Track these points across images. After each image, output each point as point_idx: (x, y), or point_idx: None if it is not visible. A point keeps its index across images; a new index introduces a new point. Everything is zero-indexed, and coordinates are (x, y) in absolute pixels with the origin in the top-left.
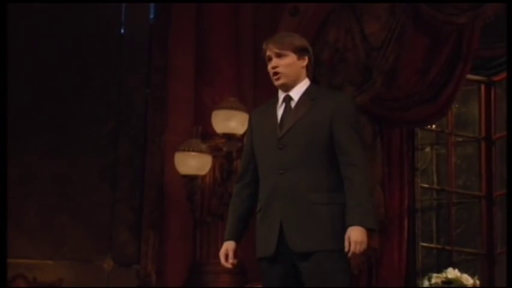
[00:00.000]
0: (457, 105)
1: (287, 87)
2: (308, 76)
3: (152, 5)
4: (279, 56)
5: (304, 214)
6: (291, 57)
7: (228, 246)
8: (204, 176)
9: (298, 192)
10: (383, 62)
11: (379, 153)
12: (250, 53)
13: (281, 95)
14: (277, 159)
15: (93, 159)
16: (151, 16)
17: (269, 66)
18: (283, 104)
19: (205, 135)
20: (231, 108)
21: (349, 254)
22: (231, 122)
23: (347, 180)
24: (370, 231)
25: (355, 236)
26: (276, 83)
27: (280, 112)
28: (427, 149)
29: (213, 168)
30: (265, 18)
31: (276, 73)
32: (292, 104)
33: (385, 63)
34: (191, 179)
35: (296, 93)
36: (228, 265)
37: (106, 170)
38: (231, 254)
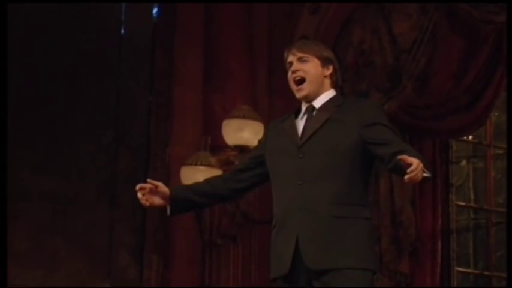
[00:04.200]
0: (496, 114)
1: (310, 98)
2: (333, 87)
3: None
4: (301, 60)
5: (324, 228)
6: (314, 63)
7: (162, 186)
8: None
9: (318, 205)
10: (414, 66)
11: None
12: (265, 56)
13: (304, 106)
14: (296, 169)
15: (90, 175)
16: (154, 14)
17: (289, 73)
18: (306, 115)
19: (215, 148)
20: (244, 117)
21: (411, 174)
22: (243, 132)
23: (397, 153)
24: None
25: (420, 162)
26: (299, 94)
27: (302, 123)
28: (463, 163)
29: None
30: (281, 17)
31: (297, 82)
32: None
33: (416, 67)
34: None
35: (319, 103)
36: (139, 191)
37: (104, 187)
38: (149, 185)
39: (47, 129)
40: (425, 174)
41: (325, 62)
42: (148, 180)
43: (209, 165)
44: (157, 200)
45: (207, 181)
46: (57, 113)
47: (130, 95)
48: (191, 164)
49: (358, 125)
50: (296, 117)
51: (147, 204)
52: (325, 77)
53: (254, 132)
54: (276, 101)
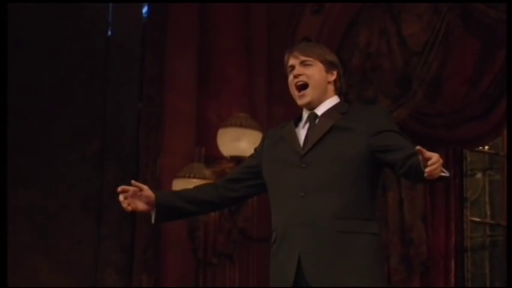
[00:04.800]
0: None
1: (313, 105)
2: (337, 94)
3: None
4: (304, 64)
5: (328, 244)
6: (318, 67)
7: (146, 189)
8: None
9: (322, 218)
10: (425, 70)
11: None
12: (264, 59)
13: (305, 113)
14: (298, 180)
15: (74, 188)
16: (144, 15)
17: (290, 77)
18: (308, 123)
19: (210, 159)
20: (241, 125)
21: (431, 167)
22: (240, 142)
23: (411, 156)
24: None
25: (440, 157)
26: (301, 101)
27: (303, 131)
28: (479, 175)
29: None
30: (281, 18)
31: (299, 87)
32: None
33: (428, 72)
34: None
35: (322, 110)
36: (121, 194)
37: (90, 201)
38: (133, 188)
39: (28, 138)
40: (443, 174)
41: (329, 66)
42: (133, 182)
43: (203, 177)
44: (140, 205)
45: (197, 188)
46: (38, 120)
47: (118, 102)
48: (184, 177)
49: (366, 133)
50: (296, 125)
51: (129, 208)
52: (329, 82)
53: (252, 142)
54: (276, 108)
